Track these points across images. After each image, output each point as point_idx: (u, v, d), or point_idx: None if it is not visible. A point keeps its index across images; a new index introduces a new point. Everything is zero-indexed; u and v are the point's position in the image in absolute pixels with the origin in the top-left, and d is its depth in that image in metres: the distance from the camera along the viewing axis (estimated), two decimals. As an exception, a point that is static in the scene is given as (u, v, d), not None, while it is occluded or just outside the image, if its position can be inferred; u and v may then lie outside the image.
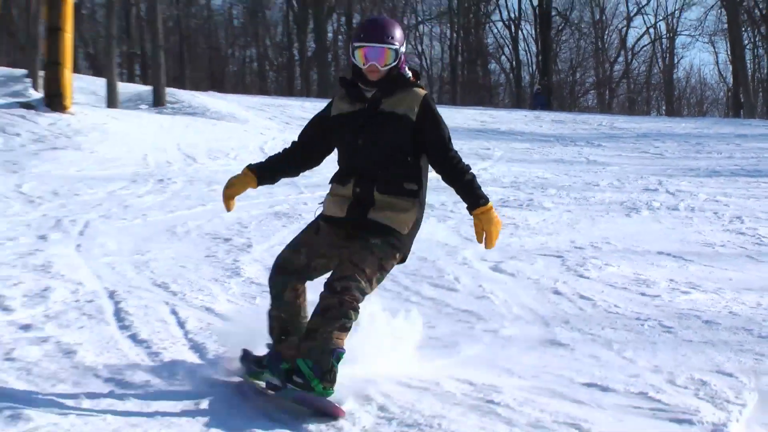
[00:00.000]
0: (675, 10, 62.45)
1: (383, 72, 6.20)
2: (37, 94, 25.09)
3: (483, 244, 6.31)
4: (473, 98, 53.99)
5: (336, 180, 6.41)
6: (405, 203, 6.27)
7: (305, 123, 7.02)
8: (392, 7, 60.25)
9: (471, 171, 6.33)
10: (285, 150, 6.69)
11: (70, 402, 6.30)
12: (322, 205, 6.57)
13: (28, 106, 21.48)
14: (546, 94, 50.86)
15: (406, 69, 6.50)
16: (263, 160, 6.65)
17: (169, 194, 16.56)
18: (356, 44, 6.22)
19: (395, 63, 6.23)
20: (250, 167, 6.58)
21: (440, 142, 6.32)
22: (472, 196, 6.24)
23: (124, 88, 31.94)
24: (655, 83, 65.14)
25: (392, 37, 6.20)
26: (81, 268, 10.75)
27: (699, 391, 6.80)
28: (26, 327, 8.46)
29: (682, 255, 11.74)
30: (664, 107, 63.66)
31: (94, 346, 7.76)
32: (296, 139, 6.71)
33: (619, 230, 13.54)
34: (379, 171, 6.19)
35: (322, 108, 6.67)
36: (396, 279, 9.40)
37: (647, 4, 62.56)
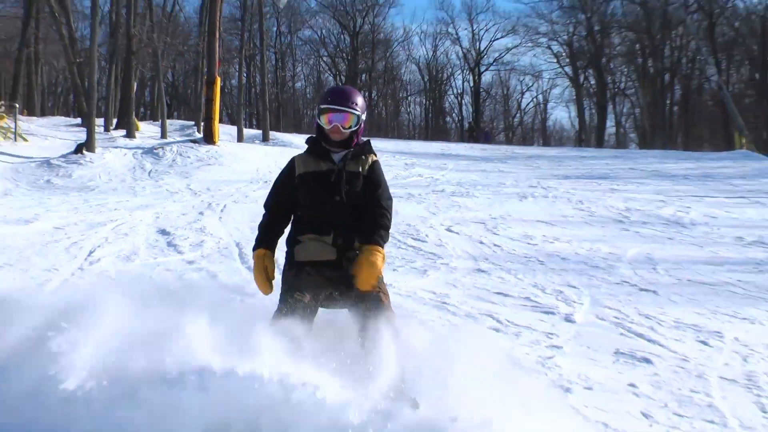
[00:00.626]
0: (547, 89, 78.60)
1: (345, 134, 5.46)
2: (199, 135, 33.32)
3: (355, 279, 5.17)
4: (439, 137, 66.45)
5: (311, 230, 5.38)
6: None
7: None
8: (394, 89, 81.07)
9: (388, 223, 5.44)
10: (269, 218, 5.69)
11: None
12: (289, 253, 5.45)
13: (194, 141, 28.86)
14: (484, 136, 60.63)
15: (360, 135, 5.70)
16: (261, 235, 5.61)
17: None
18: (323, 107, 5.53)
19: (356, 127, 5.52)
20: (261, 248, 5.54)
21: (376, 196, 5.44)
22: (373, 234, 5.30)
23: (247, 132, 35.18)
24: (536, 128, 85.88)
25: (355, 104, 5.50)
26: (221, 230, 12.30)
27: (558, 296, 8.22)
28: (191, 262, 9.84)
29: (550, 222, 13.84)
30: (541, 141, 77.86)
31: (227, 273, 9.07)
32: (270, 205, 5.72)
33: (515, 209, 15.80)
34: (355, 222, 5.38)
35: (283, 171, 5.71)
36: (393, 236, 10.02)
37: (532, 85, 78.73)
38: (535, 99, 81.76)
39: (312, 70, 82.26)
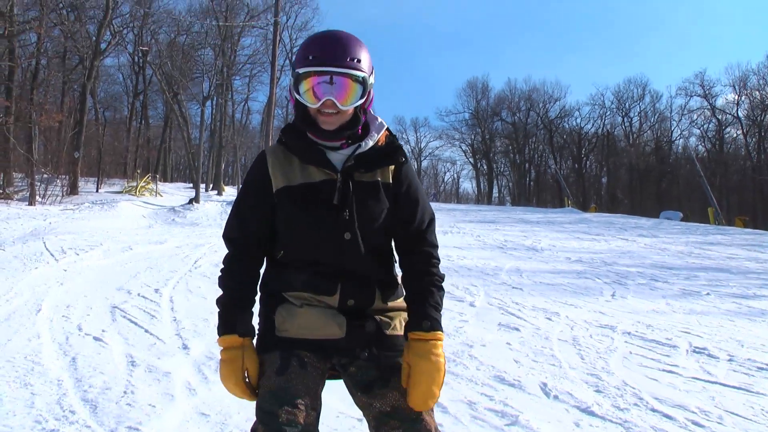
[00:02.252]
0: (459, 170, 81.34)
1: (345, 114, 1.92)
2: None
3: (408, 395, 1.85)
4: None
5: (304, 284, 1.94)
6: (401, 304, 2.05)
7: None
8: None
9: (441, 275, 2.04)
10: (236, 264, 2.02)
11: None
12: (266, 317, 1.99)
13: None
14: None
15: (372, 112, 2.07)
16: (228, 301, 1.96)
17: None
18: (301, 70, 1.89)
19: (362, 100, 1.93)
20: (233, 334, 1.90)
21: (416, 224, 2.03)
22: (425, 307, 1.94)
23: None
24: (453, 192, 76.59)
25: (357, 60, 1.89)
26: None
27: (465, 291, 8.08)
28: None
29: (461, 247, 13.26)
30: (456, 201, 72.73)
31: None
32: (234, 239, 2.05)
33: (440, 240, 15.32)
34: (376, 266, 2.01)
35: (250, 180, 2.04)
36: None
37: (450, 168, 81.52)
38: (452, 176, 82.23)
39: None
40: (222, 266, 2.07)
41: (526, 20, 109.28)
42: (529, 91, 66.17)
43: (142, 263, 9.82)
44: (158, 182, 33.22)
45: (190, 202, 24.79)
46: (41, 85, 28.84)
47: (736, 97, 55.11)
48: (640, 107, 62.01)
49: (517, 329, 5.97)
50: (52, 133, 28.93)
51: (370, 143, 2.00)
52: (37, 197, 23.41)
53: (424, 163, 76.04)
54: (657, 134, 61.40)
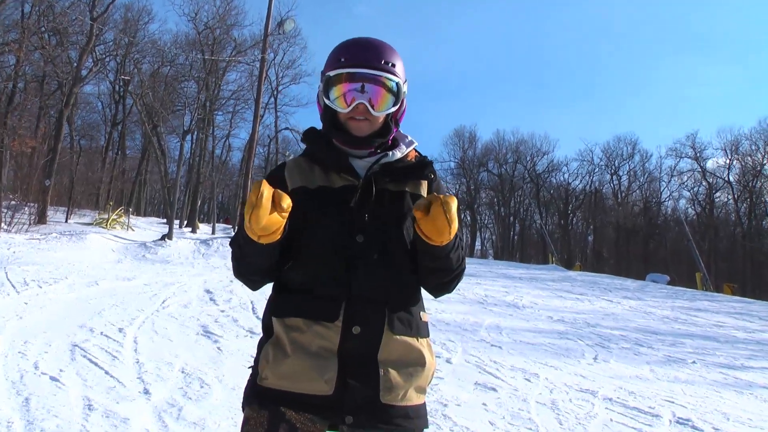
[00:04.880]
0: None
1: (377, 121, 1.87)
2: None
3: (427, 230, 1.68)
4: None
5: (299, 309, 1.77)
6: (421, 350, 1.84)
7: None
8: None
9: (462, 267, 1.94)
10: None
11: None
12: (256, 362, 1.83)
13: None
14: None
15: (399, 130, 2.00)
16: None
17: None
18: (332, 74, 1.85)
19: (395, 108, 1.88)
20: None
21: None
22: None
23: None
24: None
25: (392, 64, 1.86)
26: (243, 292, 11.51)
27: (442, 347, 8.02)
28: (223, 311, 9.49)
29: (439, 300, 13.19)
30: None
31: (245, 319, 8.92)
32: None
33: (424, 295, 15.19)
34: (391, 290, 1.81)
35: (269, 178, 1.89)
36: None
37: None
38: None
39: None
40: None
41: (515, 72, 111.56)
42: (517, 143, 67.33)
43: (107, 300, 9.71)
44: (131, 216, 32.95)
45: (163, 238, 24.55)
46: (16, 109, 28.70)
47: (728, 161, 56.45)
48: (629, 166, 63.25)
49: (494, 389, 5.92)
50: (23, 159, 28.72)
51: (398, 155, 1.92)
52: (3, 224, 23.12)
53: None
54: (646, 194, 62.43)
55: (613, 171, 63.43)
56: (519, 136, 76.71)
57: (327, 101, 1.87)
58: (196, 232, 33.11)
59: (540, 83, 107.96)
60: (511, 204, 67.59)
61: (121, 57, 41.42)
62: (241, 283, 1.96)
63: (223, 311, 9.38)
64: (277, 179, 1.90)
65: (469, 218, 68.70)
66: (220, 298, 10.71)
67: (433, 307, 11.57)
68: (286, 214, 1.66)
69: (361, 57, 1.83)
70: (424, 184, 1.93)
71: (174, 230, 26.95)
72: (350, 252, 1.77)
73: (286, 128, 43.86)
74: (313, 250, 1.81)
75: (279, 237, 1.68)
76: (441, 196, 1.64)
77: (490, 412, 5.14)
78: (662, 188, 61.64)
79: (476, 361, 7.24)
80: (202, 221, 44.65)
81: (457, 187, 68.27)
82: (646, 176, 62.67)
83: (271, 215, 1.62)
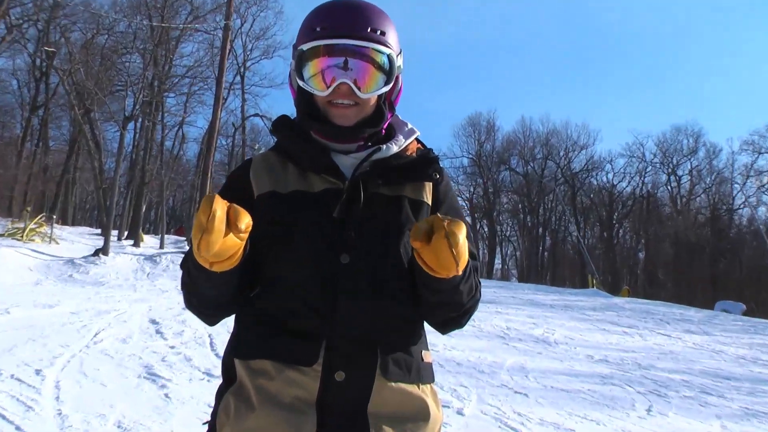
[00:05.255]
0: None
1: (366, 106, 1.83)
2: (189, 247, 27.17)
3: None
4: None
5: (271, 350, 1.71)
6: (423, 399, 1.78)
7: None
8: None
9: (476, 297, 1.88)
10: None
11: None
12: (213, 416, 1.79)
13: (185, 252, 23.16)
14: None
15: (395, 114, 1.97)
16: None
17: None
18: (305, 47, 1.80)
19: (388, 87, 1.84)
20: None
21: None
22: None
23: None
24: None
25: (381, 32, 1.80)
26: (199, 323, 11.32)
27: (452, 393, 7.95)
28: (172, 347, 9.43)
29: (449, 335, 13.08)
30: None
31: (200, 358, 8.79)
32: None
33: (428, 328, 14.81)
34: (383, 325, 1.76)
35: (226, 185, 1.94)
36: None
37: None
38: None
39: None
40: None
41: (545, 45, 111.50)
42: (548, 135, 67.46)
43: (22, 333, 9.61)
44: (55, 225, 32.87)
45: (96, 253, 24.50)
46: None
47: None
48: (691, 164, 63.49)
49: (519, 449, 5.90)
50: None
51: (394, 148, 1.86)
52: None
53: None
54: (713, 200, 62.58)
55: (670, 170, 63.71)
56: (550, 125, 76.43)
57: (301, 82, 1.82)
58: (139, 246, 33.03)
59: (579, 59, 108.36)
60: (540, 212, 67.67)
61: (43, 23, 41.45)
62: None
63: (172, 347, 9.33)
64: (239, 182, 1.87)
65: (486, 230, 68.69)
66: (169, 331, 10.66)
67: (440, 342, 11.54)
68: (245, 236, 1.56)
69: (343, 24, 1.77)
70: (428, 186, 1.88)
71: (111, 243, 26.88)
72: (333, 276, 1.72)
73: (256, 114, 44.12)
74: (286, 274, 1.76)
75: (237, 263, 1.60)
76: (445, 223, 1.51)
77: (514, 480, 5.11)
78: (735, 192, 61.86)
79: (495, 412, 7.18)
80: (147, 232, 44.64)
81: (472, 189, 68.38)
82: (714, 177, 62.87)
83: (225, 238, 1.51)
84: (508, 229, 70.84)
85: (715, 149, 63.10)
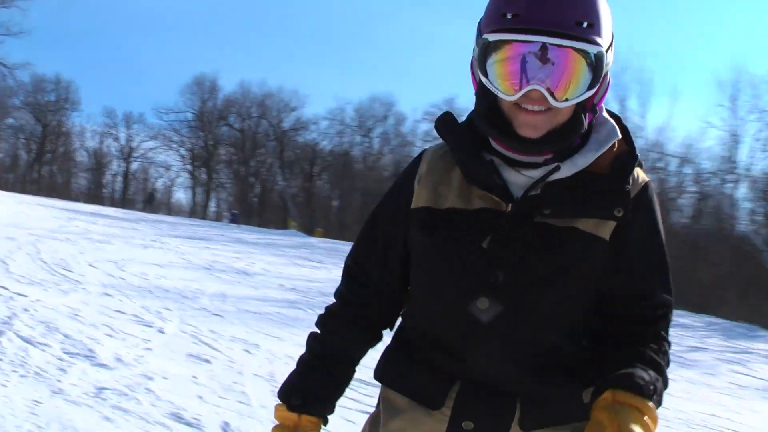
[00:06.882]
0: (174, 177, 73.58)
1: (561, 115, 1.26)
2: None
3: None
4: (97, 202, 57.95)
5: (399, 380, 1.44)
6: None
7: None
8: (68, 166, 70.47)
9: (665, 363, 1.29)
10: (337, 321, 1.53)
11: None
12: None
13: None
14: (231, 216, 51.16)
15: (604, 112, 1.39)
16: (304, 370, 1.53)
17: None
18: (492, 37, 1.24)
19: (592, 92, 1.26)
20: (300, 412, 1.41)
21: (646, 293, 1.34)
22: (633, 366, 1.22)
23: None
24: (164, 202, 73.20)
25: (589, 24, 1.22)
26: None
27: (157, 315, 7.91)
28: None
29: (161, 265, 13.08)
30: (167, 212, 67.63)
31: None
32: (345, 294, 1.54)
33: (139, 254, 14.80)
34: (529, 377, 1.33)
35: (388, 196, 1.50)
36: (47, 265, 10.14)
37: (164, 174, 72.07)
38: (165, 183, 79.81)
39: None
40: (316, 325, 1.58)
41: (265, 17, 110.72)
42: (263, 97, 67.38)
43: None
44: None
45: None
46: None
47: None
48: (383, 128, 66.54)
49: (207, 361, 6.03)
50: None
51: (580, 163, 1.33)
52: None
53: (134, 166, 72.89)
54: (397, 159, 66.22)
55: (364, 133, 66.34)
56: (266, 88, 76.66)
57: (484, 79, 1.29)
58: None
59: (292, 31, 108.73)
60: (252, 163, 67.94)
61: None
62: None
63: None
64: (403, 187, 1.46)
65: (205, 177, 67.96)
66: None
67: (152, 272, 11.47)
68: None
69: (542, 12, 1.22)
70: (621, 200, 1.33)
71: None
72: (468, 325, 1.32)
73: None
74: (424, 302, 1.43)
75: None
76: None
77: (201, 385, 5.24)
78: (413, 153, 65.68)
79: (193, 331, 7.28)
80: None
81: (194, 141, 67.01)
82: (399, 140, 66.44)
83: None
84: (224, 176, 70.59)
85: (402, 117, 67.11)
